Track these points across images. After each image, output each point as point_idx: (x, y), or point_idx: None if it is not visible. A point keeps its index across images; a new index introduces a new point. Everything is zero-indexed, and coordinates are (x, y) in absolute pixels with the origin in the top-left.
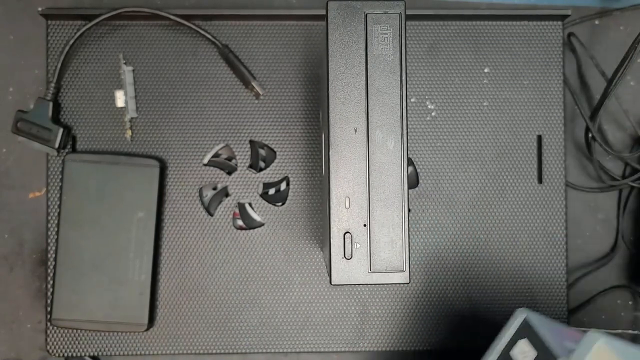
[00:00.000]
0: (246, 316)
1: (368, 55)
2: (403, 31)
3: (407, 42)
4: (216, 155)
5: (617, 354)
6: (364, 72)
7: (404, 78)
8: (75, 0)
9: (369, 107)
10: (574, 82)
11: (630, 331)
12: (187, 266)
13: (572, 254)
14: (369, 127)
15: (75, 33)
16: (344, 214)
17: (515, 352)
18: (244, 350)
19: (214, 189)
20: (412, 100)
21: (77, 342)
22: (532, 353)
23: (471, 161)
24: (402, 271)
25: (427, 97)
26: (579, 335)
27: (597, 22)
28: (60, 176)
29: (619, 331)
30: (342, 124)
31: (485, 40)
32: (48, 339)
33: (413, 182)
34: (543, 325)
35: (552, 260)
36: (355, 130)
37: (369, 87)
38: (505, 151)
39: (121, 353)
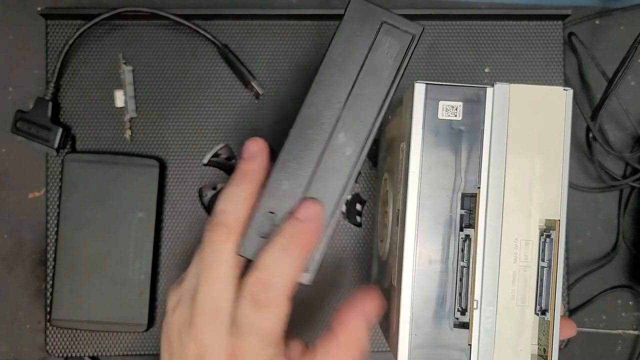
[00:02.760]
0: None
1: (366, 60)
2: (410, 52)
3: None
4: (216, 155)
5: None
6: (355, 73)
7: (390, 95)
8: (75, 0)
9: (345, 108)
10: (575, 82)
11: (630, 331)
12: (187, 266)
13: (572, 254)
14: (336, 127)
15: (75, 33)
16: (277, 193)
17: (442, 114)
18: None
19: (214, 189)
20: None
21: (76, 342)
22: (458, 104)
23: None
24: (307, 272)
25: None
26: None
27: (597, 21)
28: (59, 176)
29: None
30: (313, 111)
31: (486, 40)
32: (47, 339)
33: None
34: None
35: None
36: (322, 124)
37: (353, 89)
38: None
39: (121, 353)
